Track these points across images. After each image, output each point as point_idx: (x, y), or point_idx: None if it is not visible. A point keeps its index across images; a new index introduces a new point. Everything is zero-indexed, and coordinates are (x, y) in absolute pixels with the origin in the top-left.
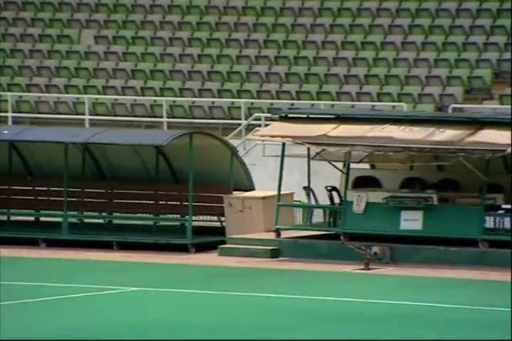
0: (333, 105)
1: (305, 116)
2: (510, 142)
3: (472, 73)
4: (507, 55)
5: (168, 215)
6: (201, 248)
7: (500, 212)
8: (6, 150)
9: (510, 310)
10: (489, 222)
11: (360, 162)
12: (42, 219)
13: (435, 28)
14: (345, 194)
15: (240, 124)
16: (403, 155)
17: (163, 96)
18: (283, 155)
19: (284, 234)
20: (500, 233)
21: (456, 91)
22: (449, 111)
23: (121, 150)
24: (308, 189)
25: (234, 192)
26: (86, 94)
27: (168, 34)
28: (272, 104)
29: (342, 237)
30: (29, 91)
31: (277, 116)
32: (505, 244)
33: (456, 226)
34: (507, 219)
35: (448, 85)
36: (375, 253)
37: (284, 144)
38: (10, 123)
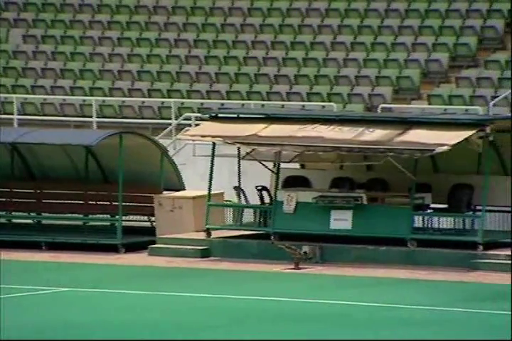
0: (263, 105)
1: (235, 115)
2: (438, 142)
3: (401, 73)
4: (435, 56)
5: (97, 215)
6: (131, 248)
7: (428, 211)
8: None
9: (438, 308)
10: (418, 222)
11: (290, 162)
12: None
13: (364, 28)
14: (275, 194)
15: (170, 124)
16: (333, 154)
17: (92, 95)
18: (213, 155)
19: (215, 234)
20: (428, 232)
21: (385, 91)
22: (378, 111)
23: (50, 150)
24: (238, 189)
25: (164, 192)
26: (14, 93)
27: (97, 34)
28: (202, 103)
29: (272, 237)
30: None
31: (207, 115)
32: (433, 243)
33: (385, 226)
34: (435, 219)
35: (377, 85)
36: (305, 252)
37: (214, 144)
38: None
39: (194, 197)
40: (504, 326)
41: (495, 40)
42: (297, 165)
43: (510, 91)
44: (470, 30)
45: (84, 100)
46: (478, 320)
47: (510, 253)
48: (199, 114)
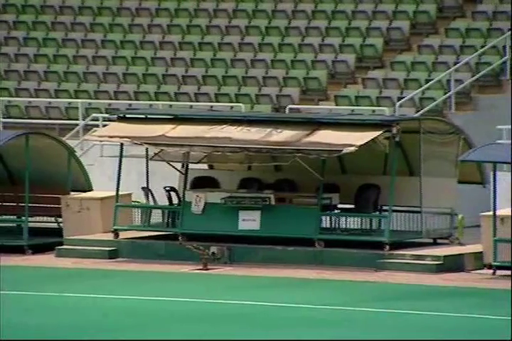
0: (171, 105)
1: (143, 116)
2: (345, 142)
3: (308, 74)
4: (342, 57)
5: (4, 216)
6: (38, 249)
7: (335, 211)
8: None
9: (345, 308)
10: (325, 222)
11: (198, 162)
12: None
13: (271, 29)
14: (183, 194)
15: (77, 125)
16: (241, 155)
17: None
18: (121, 156)
19: (122, 235)
20: (335, 232)
21: (292, 92)
22: (286, 111)
23: None
24: (146, 189)
25: (72, 193)
26: None
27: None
28: (109, 104)
29: (180, 237)
30: None
31: (115, 116)
32: (340, 243)
33: (293, 226)
34: (342, 219)
35: (284, 86)
36: (213, 253)
37: (122, 145)
38: None
39: (102, 198)
40: (410, 325)
41: (400, 41)
42: (205, 166)
43: (416, 92)
44: (376, 32)
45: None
46: (385, 319)
47: (416, 253)
48: (107, 115)
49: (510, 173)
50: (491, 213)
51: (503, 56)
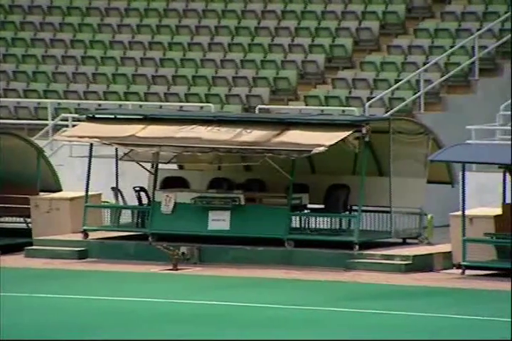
0: (141, 105)
1: (113, 116)
2: (315, 142)
3: (278, 74)
4: (311, 57)
5: None
6: (7, 250)
7: (305, 211)
8: None
9: (314, 308)
10: (295, 222)
11: (168, 162)
12: None
13: (241, 29)
14: (153, 194)
15: (46, 125)
16: (211, 155)
17: None
18: (90, 156)
19: (92, 235)
20: (305, 232)
21: (262, 92)
22: (256, 111)
23: None
24: (116, 190)
25: (41, 193)
26: None
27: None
28: (79, 104)
29: (150, 238)
30: None
31: (85, 116)
32: (310, 243)
33: (262, 226)
34: (312, 219)
35: (254, 86)
36: (183, 253)
37: (91, 145)
38: None
39: (71, 199)
40: (380, 325)
41: (370, 41)
42: (175, 166)
43: (385, 92)
44: (346, 32)
45: None
46: (354, 319)
47: (385, 252)
48: (76, 115)
49: (479, 173)
50: (459, 213)
51: (471, 56)
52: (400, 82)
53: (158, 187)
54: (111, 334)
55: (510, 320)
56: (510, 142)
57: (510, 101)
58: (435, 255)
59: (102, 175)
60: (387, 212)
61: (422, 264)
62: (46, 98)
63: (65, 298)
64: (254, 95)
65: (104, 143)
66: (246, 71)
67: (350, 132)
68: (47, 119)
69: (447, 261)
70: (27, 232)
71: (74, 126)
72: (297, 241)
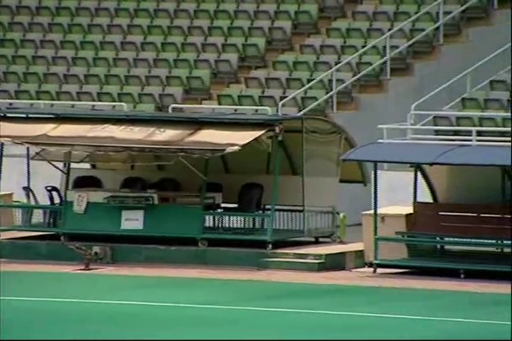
0: (53, 105)
1: (24, 115)
2: (228, 142)
3: (191, 73)
4: (224, 56)
5: None
6: None
7: (219, 210)
8: None
9: (227, 307)
10: (208, 221)
11: (80, 162)
12: None
13: (153, 28)
14: (65, 194)
15: None
16: (124, 155)
17: None
18: (1, 155)
19: (3, 235)
20: (219, 232)
21: (175, 92)
22: (169, 111)
23: None
24: (27, 189)
25: None
26: None
27: None
28: None
29: (62, 237)
30: None
31: None
32: (224, 243)
33: (176, 226)
34: (226, 218)
35: (167, 85)
36: (96, 253)
37: (2, 144)
38: None
39: None
40: (293, 324)
41: (282, 41)
42: (88, 165)
43: (298, 91)
44: (258, 31)
45: None
46: (268, 318)
47: (298, 251)
48: None
49: (391, 172)
50: (371, 212)
51: (383, 56)
52: (313, 82)
53: (70, 187)
54: (22, 334)
55: (419, 318)
56: (421, 141)
57: (420, 100)
58: (347, 254)
59: (14, 175)
60: (300, 211)
61: (335, 263)
62: None
63: None
64: (168, 94)
65: (16, 143)
66: (159, 70)
67: (264, 131)
68: None
69: (359, 259)
70: None
71: None
72: (211, 241)
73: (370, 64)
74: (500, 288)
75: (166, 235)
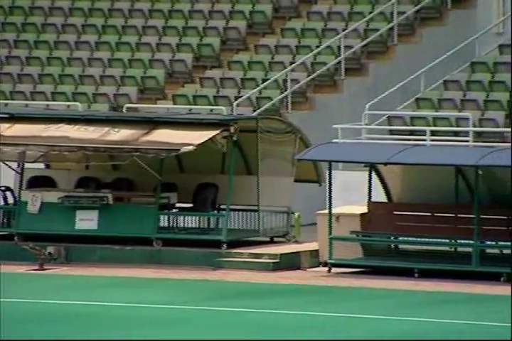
0: (6, 104)
1: None
2: (183, 142)
3: (146, 73)
4: (179, 56)
5: None
6: None
7: (174, 210)
8: None
9: (182, 307)
10: (163, 221)
11: (34, 162)
12: None
13: (108, 27)
14: (19, 194)
15: None
16: (78, 154)
17: None
18: None
19: None
20: (174, 231)
21: (130, 91)
22: (124, 110)
23: None
24: None
25: None
26: None
27: None
28: None
29: (16, 238)
30: None
31: None
32: (178, 242)
33: (131, 225)
34: (180, 218)
35: (122, 85)
36: (50, 253)
37: None
38: None
39: None
40: (248, 324)
41: (237, 40)
42: (42, 165)
43: (253, 91)
44: (213, 31)
45: None
46: (223, 318)
47: (253, 251)
48: None
49: (345, 172)
50: (326, 211)
51: (337, 56)
52: (268, 82)
53: (24, 187)
54: None
55: (375, 317)
56: (376, 141)
57: (375, 100)
58: (302, 253)
59: None
60: (255, 210)
61: (290, 262)
62: None
63: None
64: (122, 94)
65: None
66: (113, 70)
67: (219, 131)
68: None
69: (314, 259)
70: None
71: None
72: (165, 240)
73: (324, 64)
74: (455, 287)
75: (121, 235)
